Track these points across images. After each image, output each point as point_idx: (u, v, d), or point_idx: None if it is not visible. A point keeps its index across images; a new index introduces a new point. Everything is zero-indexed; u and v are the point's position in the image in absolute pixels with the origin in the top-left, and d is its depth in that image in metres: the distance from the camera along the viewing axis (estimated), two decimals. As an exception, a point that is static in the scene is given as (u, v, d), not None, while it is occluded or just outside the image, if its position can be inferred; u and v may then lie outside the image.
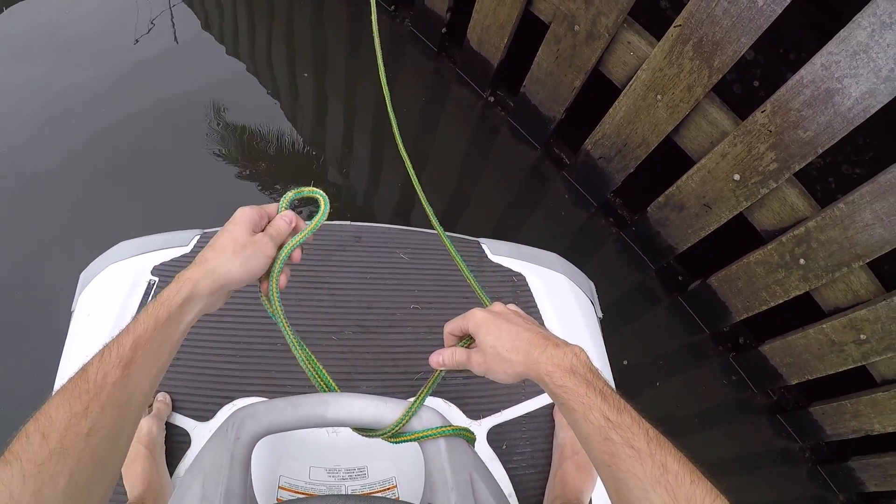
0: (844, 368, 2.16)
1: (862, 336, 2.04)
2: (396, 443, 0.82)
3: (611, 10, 2.07)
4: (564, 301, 1.47)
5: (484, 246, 1.55)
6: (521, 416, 1.28)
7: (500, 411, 1.28)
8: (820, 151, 1.85)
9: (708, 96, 2.03)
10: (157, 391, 1.20)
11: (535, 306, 1.44)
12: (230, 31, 3.39)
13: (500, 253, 1.54)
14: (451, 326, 0.82)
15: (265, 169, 2.79)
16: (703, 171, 2.14)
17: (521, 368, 0.71)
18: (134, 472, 1.06)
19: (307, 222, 0.85)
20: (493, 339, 0.74)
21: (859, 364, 2.11)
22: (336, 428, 1.11)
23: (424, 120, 2.98)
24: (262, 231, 0.82)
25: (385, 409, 0.81)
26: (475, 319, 0.78)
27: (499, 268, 1.51)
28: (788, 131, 1.88)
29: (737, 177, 2.06)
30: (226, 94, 3.04)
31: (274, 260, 0.81)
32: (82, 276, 1.43)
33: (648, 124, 2.19)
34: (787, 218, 2.07)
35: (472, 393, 1.28)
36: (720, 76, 1.94)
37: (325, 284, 1.40)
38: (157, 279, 1.36)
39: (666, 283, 2.62)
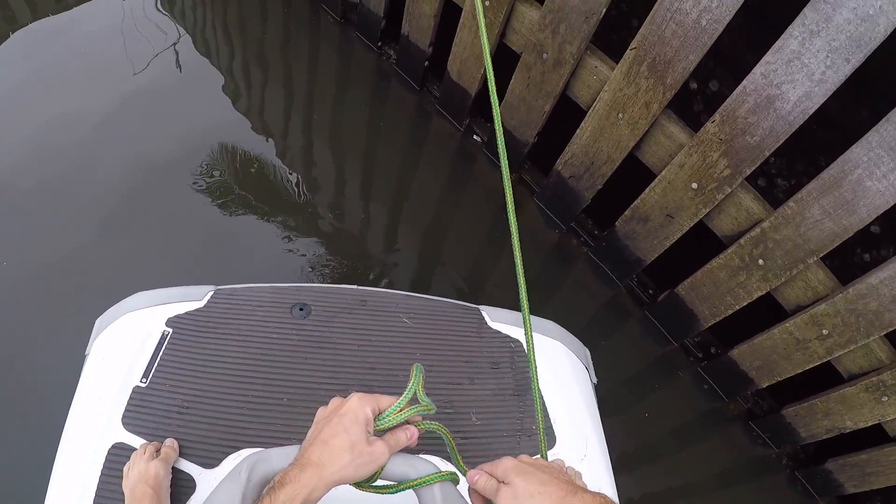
0: (811, 366, 2.26)
1: (824, 331, 2.15)
2: (392, 493, 0.86)
3: (574, 37, 2.29)
4: (560, 367, 1.54)
5: (484, 313, 1.60)
6: None
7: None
8: (767, 154, 2.01)
9: (664, 112, 2.21)
10: (166, 436, 1.26)
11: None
12: (242, 81, 3.59)
13: (499, 320, 1.59)
14: (480, 485, 0.83)
15: (276, 220, 2.89)
16: (663, 182, 2.30)
17: None
18: None
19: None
20: (524, 482, 0.77)
21: (825, 360, 2.21)
22: None
23: (406, 153, 3.17)
24: (380, 437, 0.83)
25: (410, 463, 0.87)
26: (505, 468, 0.80)
27: (497, 334, 1.56)
28: (738, 138, 2.05)
29: (694, 185, 2.22)
30: (238, 142, 3.16)
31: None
32: (98, 321, 1.49)
33: (612, 142, 2.37)
34: (743, 221, 2.22)
35: (470, 451, 1.31)
36: (674, 92, 2.13)
37: (330, 345, 1.46)
38: (171, 330, 1.43)
39: (635, 298, 2.74)
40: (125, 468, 1.19)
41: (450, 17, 2.82)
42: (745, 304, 2.32)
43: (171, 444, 1.24)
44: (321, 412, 0.86)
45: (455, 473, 0.88)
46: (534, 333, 1.52)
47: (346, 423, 0.80)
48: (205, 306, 1.49)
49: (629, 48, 2.17)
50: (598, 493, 0.74)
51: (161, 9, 3.80)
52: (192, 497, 1.20)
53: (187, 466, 1.23)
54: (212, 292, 1.52)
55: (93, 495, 1.18)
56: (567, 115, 2.57)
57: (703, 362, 2.60)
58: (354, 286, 1.60)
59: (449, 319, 1.57)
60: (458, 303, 1.62)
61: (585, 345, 1.65)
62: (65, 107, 3.13)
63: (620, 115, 2.29)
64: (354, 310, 1.54)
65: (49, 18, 3.62)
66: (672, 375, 2.62)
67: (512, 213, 1.21)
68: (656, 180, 2.33)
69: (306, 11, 3.64)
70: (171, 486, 1.18)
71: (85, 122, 3.07)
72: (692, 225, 2.32)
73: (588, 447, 1.38)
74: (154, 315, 1.46)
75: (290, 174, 3.04)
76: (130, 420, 1.28)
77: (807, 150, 2.72)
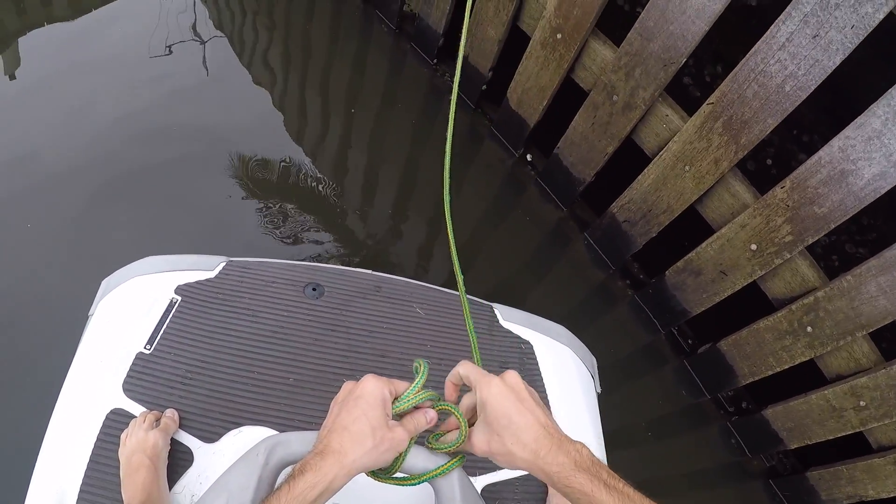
0: (843, 434, 2.30)
1: (861, 402, 2.18)
2: (415, 483, 0.84)
3: (649, 83, 2.30)
4: (567, 373, 1.55)
5: (497, 311, 1.61)
6: (515, 478, 1.31)
7: (495, 470, 1.31)
8: (833, 226, 2.04)
9: (732, 170, 2.23)
10: (167, 406, 1.24)
11: (539, 375, 1.51)
12: (260, 61, 3.54)
13: (512, 320, 1.60)
14: (464, 372, 0.82)
15: (289, 205, 2.90)
16: (722, 239, 2.32)
17: (524, 465, 0.74)
18: (135, 481, 1.09)
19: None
20: (502, 425, 0.75)
21: (857, 430, 2.24)
22: None
23: (454, 171, 3.13)
24: (399, 422, 0.81)
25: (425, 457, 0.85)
26: (489, 392, 0.77)
27: (509, 334, 1.57)
28: (805, 206, 2.07)
29: (754, 247, 2.25)
30: (258, 130, 3.20)
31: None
32: (104, 282, 1.47)
33: (675, 192, 2.38)
34: (797, 287, 2.25)
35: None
36: (746, 152, 2.15)
37: (341, 328, 1.45)
38: (179, 298, 1.41)
39: (674, 345, 2.76)
40: (122, 435, 1.17)
41: (514, 42, 2.81)
42: (786, 367, 2.35)
43: (171, 414, 1.23)
44: (336, 398, 0.83)
45: (463, 457, 0.86)
46: (543, 336, 1.59)
47: (364, 406, 0.77)
48: (216, 277, 1.47)
49: (706, 103, 2.19)
50: (576, 443, 0.73)
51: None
52: (188, 470, 1.19)
53: (186, 439, 1.22)
54: (224, 263, 1.50)
55: (86, 460, 1.16)
56: (624, 156, 2.58)
57: (734, 417, 2.63)
58: (369, 271, 1.59)
59: (461, 315, 1.52)
60: (472, 298, 1.61)
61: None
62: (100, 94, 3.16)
63: (687, 167, 2.31)
64: (368, 295, 1.53)
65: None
66: (700, 426, 2.65)
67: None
68: (715, 236, 2.35)
69: (358, 16, 3.60)
70: (168, 458, 1.17)
71: (134, 110, 3.11)
72: (745, 284, 2.34)
73: None
74: (163, 281, 1.43)
75: (324, 176, 3.05)
76: (131, 387, 1.26)
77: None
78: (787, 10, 1.88)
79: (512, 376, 0.79)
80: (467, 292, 1.60)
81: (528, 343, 1.55)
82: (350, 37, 3.61)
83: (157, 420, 1.20)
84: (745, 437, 2.61)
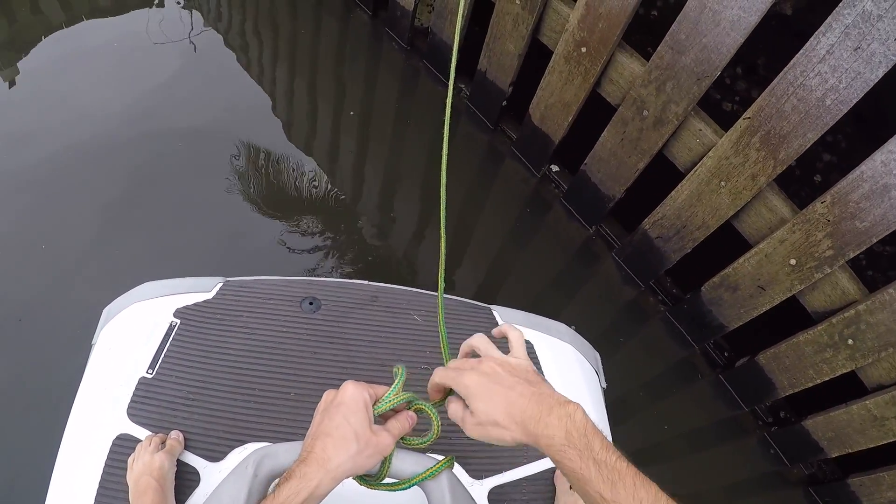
0: (885, 442, 2.30)
1: (905, 412, 2.19)
2: (404, 488, 0.86)
3: (682, 98, 2.26)
4: (570, 370, 1.54)
5: (495, 313, 1.61)
6: (522, 479, 1.32)
7: (502, 472, 1.32)
8: (875, 240, 2.03)
9: (770, 185, 2.21)
10: (172, 428, 1.26)
11: (542, 374, 1.50)
12: (256, 60, 3.48)
13: (511, 321, 1.60)
14: (440, 379, 0.82)
15: (289, 216, 2.90)
16: (760, 255, 2.30)
17: (519, 437, 0.72)
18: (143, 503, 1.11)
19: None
20: (488, 408, 0.74)
21: (901, 439, 2.25)
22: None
23: (474, 190, 3.09)
24: (382, 426, 0.81)
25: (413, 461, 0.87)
26: (465, 386, 0.77)
27: None
28: (846, 221, 2.05)
29: (793, 261, 2.22)
30: (258, 133, 3.18)
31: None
32: (105, 311, 1.49)
33: (710, 208, 2.35)
34: (837, 301, 2.23)
35: (476, 453, 1.33)
36: (784, 167, 2.13)
37: (340, 340, 1.46)
38: (178, 321, 1.43)
39: (709, 360, 2.74)
40: (129, 460, 1.19)
41: (534, 56, 2.76)
42: (826, 379, 2.34)
43: (176, 436, 1.24)
44: (318, 407, 0.84)
45: (452, 458, 0.89)
46: (544, 335, 1.59)
47: (345, 412, 0.77)
48: (213, 298, 1.49)
49: (742, 117, 2.16)
50: (569, 405, 0.72)
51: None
52: (196, 490, 1.20)
53: (192, 459, 1.24)
54: (221, 284, 1.52)
55: (96, 486, 1.18)
56: (651, 169, 2.54)
57: (773, 427, 2.62)
58: (365, 281, 1.60)
59: (460, 318, 1.57)
60: (470, 301, 1.62)
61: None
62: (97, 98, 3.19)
63: (723, 183, 2.28)
64: (365, 305, 1.54)
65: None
66: (738, 437, 2.64)
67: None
68: (752, 252, 2.32)
69: (366, 34, 3.52)
70: (175, 479, 1.19)
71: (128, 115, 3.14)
72: (784, 299, 2.32)
73: None
74: (162, 305, 1.46)
75: (341, 194, 3.02)
76: (136, 411, 1.28)
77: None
78: (827, 21, 1.86)
79: (487, 363, 0.78)
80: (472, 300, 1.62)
81: (528, 343, 1.55)
82: (357, 57, 3.53)
83: (163, 442, 1.21)
84: (785, 447, 2.60)
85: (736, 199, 2.28)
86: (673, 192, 2.45)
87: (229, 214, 2.84)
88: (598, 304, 2.79)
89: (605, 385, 1.57)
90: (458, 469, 1.30)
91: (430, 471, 0.85)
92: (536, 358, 1.53)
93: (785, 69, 2.00)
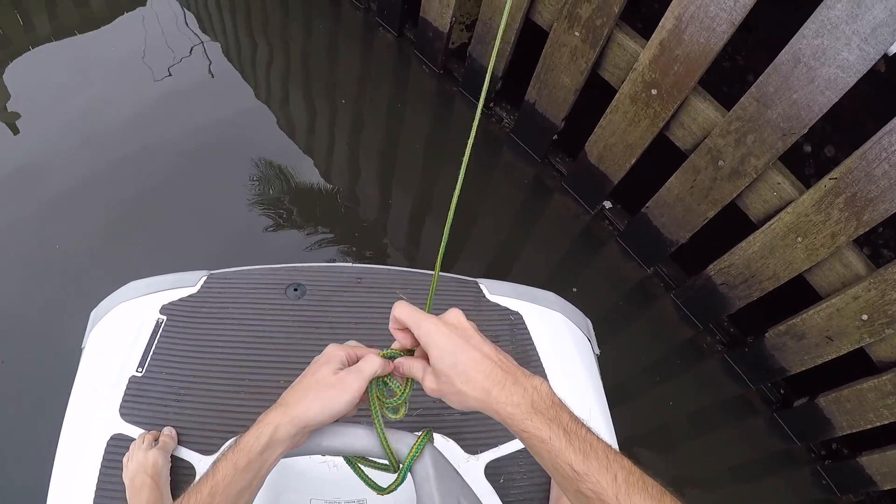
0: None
1: (962, 456, 2.29)
2: (397, 485, 0.84)
3: (763, 152, 2.21)
4: (561, 338, 1.54)
5: (482, 286, 1.61)
6: (518, 451, 1.32)
7: (497, 446, 1.32)
8: (953, 302, 2.07)
9: (848, 244, 2.20)
10: (164, 425, 1.28)
11: (532, 344, 1.51)
12: (249, 63, 3.24)
13: (498, 293, 1.60)
14: (400, 315, 0.77)
15: (280, 210, 2.87)
16: (831, 308, 2.32)
17: (478, 405, 0.69)
18: (139, 502, 1.12)
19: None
20: (448, 365, 0.69)
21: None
22: (336, 462, 1.19)
23: (520, 225, 2.97)
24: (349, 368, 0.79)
25: (391, 439, 0.85)
26: (428, 332, 0.72)
27: (496, 307, 1.56)
28: (923, 284, 2.08)
29: (865, 317, 2.25)
30: (250, 132, 3.13)
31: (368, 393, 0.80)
32: (93, 314, 1.49)
33: (782, 262, 2.35)
34: (904, 353, 2.29)
35: (470, 428, 1.34)
36: (867, 229, 2.12)
37: (326, 324, 1.46)
38: (165, 318, 1.43)
39: (765, 399, 2.80)
40: (124, 459, 1.21)
41: (590, 90, 2.62)
42: (886, 422, 2.42)
43: (168, 432, 1.27)
44: None
45: (430, 431, 0.86)
46: (534, 305, 1.60)
47: (313, 367, 0.79)
48: (198, 292, 1.50)
49: (828, 177, 2.13)
50: (534, 378, 0.69)
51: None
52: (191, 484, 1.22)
53: (186, 454, 1.26)
54: (205, 277, 1.53)
55: (94, 488, 1.20)
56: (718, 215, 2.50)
57: (826, 461, 2.71)
58: (350, 263, 1.62)
59: (446, 293, 1.57)
60: (456, 276, 1.62)
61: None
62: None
63: (800, 238, 2.27)
64: (350, 287, 1.55)
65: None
66: (791, 470, 2.72)
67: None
68: (823, 304, 2.34)
69: (391, 57, 3.26)
70: (170, 475, 1.21)
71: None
72: (851, 350, 2.36)
73: (591, 420, 1.38)
74: (148, 303, 1.47)
75: (365, 219, 2.94)
76: (128, 410, 1.30)
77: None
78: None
79: (453, 314, 0.76)
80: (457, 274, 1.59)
81: (517, 314, 1.55)
82: (382, 78, 3.27)
83: (156, 439, 1.23)
84: (838, 481, 2.70)
85: (812, 255, 2.27)
86: (744, 243, 2.43)
87: (229, 213, 2.81)
88: (653, 342, 2.77)
89: (598, 352, 1.56)
90: (452, 445, 1.31)
91: (413, 448, 0.81)
92: (526, 328, 1.52)
93: (879, 134, 1.97)
